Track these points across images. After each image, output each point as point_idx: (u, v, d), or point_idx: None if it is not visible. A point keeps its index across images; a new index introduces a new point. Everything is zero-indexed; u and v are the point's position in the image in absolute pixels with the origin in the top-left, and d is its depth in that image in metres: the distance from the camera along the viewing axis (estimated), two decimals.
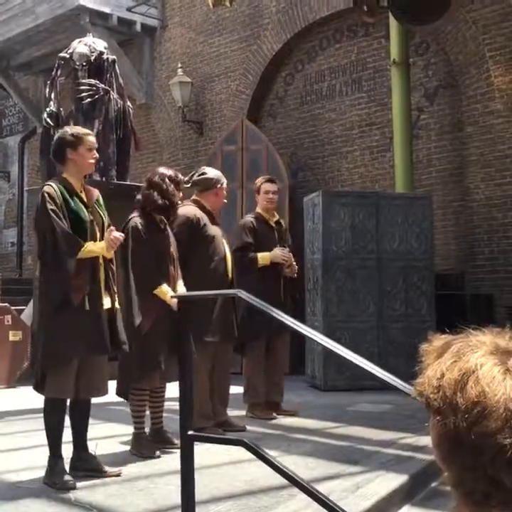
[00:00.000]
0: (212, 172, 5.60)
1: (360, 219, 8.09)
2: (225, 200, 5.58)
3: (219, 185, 5.47)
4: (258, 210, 6.30)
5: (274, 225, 6.31)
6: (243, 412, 6.00)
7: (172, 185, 4.73)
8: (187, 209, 5.30)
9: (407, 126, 9.13)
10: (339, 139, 10.65)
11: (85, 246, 3.97)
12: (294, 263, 6.22)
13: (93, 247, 4.00)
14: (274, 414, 5.98)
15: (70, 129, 4.31)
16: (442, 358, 1.02)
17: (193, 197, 5.50)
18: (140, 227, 4.63)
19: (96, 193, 4.23)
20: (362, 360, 2.49)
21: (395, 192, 8.92)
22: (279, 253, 6.06)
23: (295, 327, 2.58)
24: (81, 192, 4.12)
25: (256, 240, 6.02)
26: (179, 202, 4.92)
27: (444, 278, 8.80)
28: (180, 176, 4.88)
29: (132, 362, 4.48)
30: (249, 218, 6.22)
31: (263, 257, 6.01)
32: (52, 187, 4.01)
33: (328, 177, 10.71)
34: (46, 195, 3.96)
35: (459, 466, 0.97)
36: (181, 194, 4.91)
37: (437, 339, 1.07)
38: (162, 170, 4.91)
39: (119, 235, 4.10)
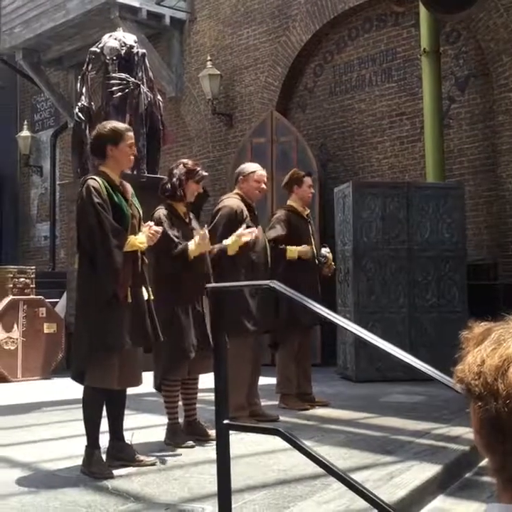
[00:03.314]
0: (246, 164, 5.73)
1: (390, 209, 8.07)
2: (264, 186, 5.57)
3: (253, 173, 5.51)
4: (292, 202, 6.30)
5: (306, 217, 6.34)
6: (275, 403, 6.04)
7: (183, 171, 4.74)
8: (230, 201, 5.38)
9: (438, 116, 9.06)
10: (369, 130, 10.61)
11: (129, 240, 4.02)
12: (332, 263, 6.33)
13: (135, 241, 4.05)
14: (306, 405, 6.01)
15: (110, 124, 4.31)
16: (482, 345, 1.04)
17: (235, 190, 5.57)
18: (163, 218, 4.66)
19: (130, 187, 4.28)
20: (404, 354, 2.49)
21: (426, 182, 8.87)
22: (304, 249, 6.06)
23: (332, 318, 2.59)
24: (119, 186, 4.18)
25: (290, 233, 6.04)
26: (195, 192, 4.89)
27: (476, 268, 8.74)
28: (198, 167, 4.83)
29: (162, 353, 4.53)
30: (284, 210, 6.24)
31: (291, 250, 6.02)
32: (96, 181, 4.05)
33: (358, 168, 10.68)
34: (92, 188, 4.00)
35: (501, 452, 0.99)
36: (201, 188, 4.87)
37: (477, 326, 1.09)
38: (182, 159, 4.95)
39: (158, 229, 4.16)
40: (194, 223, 4.88)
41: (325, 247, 6.33)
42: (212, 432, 4.61)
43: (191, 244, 4.60)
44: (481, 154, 9.39)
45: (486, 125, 9.35)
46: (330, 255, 6.32)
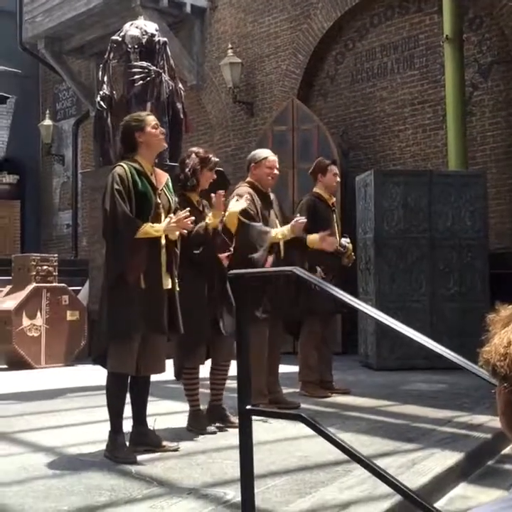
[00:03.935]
0: (256, 150, 5.68)
1: (412, 198, 8.04)
2: (276, 172, 5.53)
3: (265, 159, 5.44)
4: (318, 190, 6.30)
5: (332, 206, 6.34)
6: (296, 390, 6.06)
7: (196, 160, 4.75)
8: (241, 189, 5.34)
9: (461, 103, 8.99)
10: (391, 118, 10.55)
11: (143, 227, 4.05)
12: (352, 253, 6.29)
13: (150, 230, 4.07)
14: (327, 393, 6.02)
15: (131, 116, 4.41)
16: (509, 327, 1.05)
17: (247, 179, 5.54)
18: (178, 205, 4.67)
19: (166, 177, 4.31)
20: (428, 340, 2.49)
21: (448, 170, 8.82)
22: (341, 241, 6.07)
23: (355, 305, 2.60)
24: (151, 175, 4.21)
25: (315, 220, 5.99)
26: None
27: (499, 257, 8.68)
28: (210, 155, 4.83)
29: (179, 342, 4.56)
30: (311, 197, 6.24)
31: (310, 240, 6.02)
32: (123, 167, 4.12)
33: (380, 156, 10.63)
34: (116, 175, 4.07)
35: None
36: (214, 176, 4.88)
37: (504, 309, 1.10)
38: (193, 148, 4.94)
39: (182, 220, 4.16)
40: (207, 211, 4.89)
41: (345, 237, 6.31)
42: (235, 419, 4.66)
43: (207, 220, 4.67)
44: (504, 142, 9.31)
45: (509, 112, 9.26)
46: (350, 245, 6.29)
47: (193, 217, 4.21)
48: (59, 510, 3.16)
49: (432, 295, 7.94)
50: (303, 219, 5.42)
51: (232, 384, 5.58)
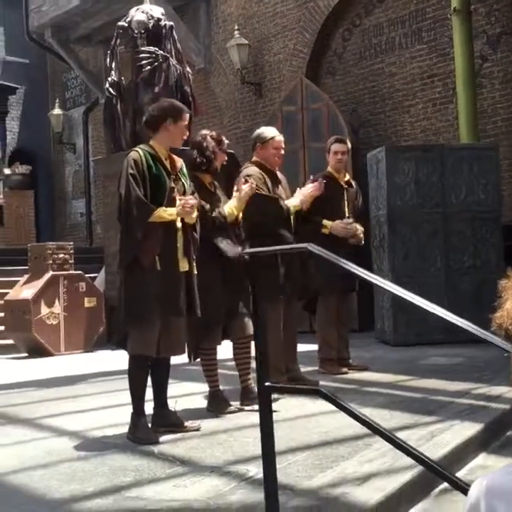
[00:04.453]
0: (261, 128, 5.65)
1: (424, 173, 8.01)
2: (282, 152, 5.52)
3: (271, 139, 5.40)
4: (329, 169, 6.32)
5: (344, 184, 6.32)
6: (315, 368, 6.09)
7: (213, 143, 4.77)
8: (249, 170, 5.33)
9: (471, 76, 8.92)
10: (400, 93, 10.50)
11: (157, 211, 4.09)
12: (360, 232, 6.21)
13: (163, 214, 4.12)
14: (345, 370, 6.06)
15: (172, 101, 4.53)
16: None
17: (253, 158, 5.52)
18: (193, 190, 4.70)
19: (181, 162, 4.35)
20: (445, 312, 2.51)
21: (460, 143, 8.77)
22: (339, 227, 6.06)
23: (372, 280, 2.62)
24: (166, 160, 4.25)
25: (325, 200, 5.99)
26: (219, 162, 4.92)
27: None
28: (222, 136, 4.87)
29: (195, 322, 4.60)
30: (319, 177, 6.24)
31: (325, 225, 6.05)
32: (138, 153, 4.18)
33: (390, 132, 10.59)
34: (131, 160, 4.13)
35: None
36: (225, 157, 4.90)
37: None
38: (203, 131, 4.96)
39: (192, 201, 4.20)
40: (219, 191, 4.91)
41: (348, 218, 6.22)
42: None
43: (227, 208, 4.73)
44: None
45: None
46: (353, 226, 6.19)
47: (194, 201, 4.23)
48: (84, 491, 3.22)
49: (447, 269, 7.93)
50: (310, 186, 5.46)
51: (252, 363, 5.65)
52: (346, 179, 6.37)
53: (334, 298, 6.13)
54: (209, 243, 4.61)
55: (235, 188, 4.87)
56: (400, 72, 10.50)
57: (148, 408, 4.26)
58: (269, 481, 2.85)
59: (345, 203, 6.26)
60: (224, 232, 4.72)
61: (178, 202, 4.20)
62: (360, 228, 6.22)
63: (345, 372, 6.00)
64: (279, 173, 5.60)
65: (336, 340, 6.16)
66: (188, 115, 4.37)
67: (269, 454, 2.91)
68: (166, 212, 4.14)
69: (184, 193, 4.29)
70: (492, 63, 9.49)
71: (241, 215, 4.90)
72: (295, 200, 5.47)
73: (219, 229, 4.69)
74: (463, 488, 2.41)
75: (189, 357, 4.77)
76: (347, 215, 6.20)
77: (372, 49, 10.86)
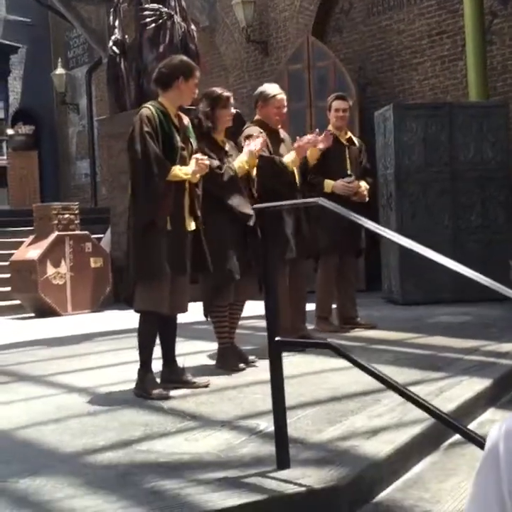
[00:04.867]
0: (264, 86, 5.51)
1: (432, 131, 7.93)
2: (284, 111, 5.40)
3: (273, 98, 5.29)
4: (329, 127, 6.23)
5: (345, 142, 6.25)
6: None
7: (206, 103, 4.68)
8: (249, 130, 5.23)
9: (480, 32, 8.76)
10: (408, 51, 10.34)
11: (172, 170, 4.05)
12: (363, 189, 6.14)
13: (178, 172, 4.10)
14: (338, 328, 6.05)
15: (183, 58, 4.40)
16: None
17: (256, 117, 5.43)
18: (204, 146, 4.65)
19: (187, 119, 4.30)
20: (456, 264, 2.48)
21: (469, 101, 8.66)
22: (340, 185, 6.01)
23: (383, 233, 2.59)
24: (175, 117, 4.20)
25: (326, 158, 5.95)
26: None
27: None
28: (221, 92, 4.73)
29: (207, 280, 4.59)
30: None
31: (327, 185, 5.99)
32: (150, 109, 4.11)
33: (398, 90, 10.46)
34: (145, 117, 4.06)
35: None
36: (231, 112, 4.77)
37: None
38: (205, 91, 4.85)
39: (206, 160, 4.17)
40: (231, 149, 4.85)
41: (350, 176, 6.14)
42: (252, 357, 4.78)
43: (237, 163, 4.69)
44: None
45: None
46: (354, 184, 6.11)
47: (207, 162, 4.21)
48: (95, 445, 3.24)
49: (455, 228, 7.89)
50: (308, 137, 5.37)
51: (258, 322, 5.66)
52: (347, 137, 6.29)
53: (335, 258, 6.12)
54: (220, 200, 4.58)
55: (247, 142, 4.81)
56: (408, 29, 10.34)
57: (157, 365, 4.27)
58: (280, 434, 2.86)
59: (348, 161, 6.19)
60: (235, 187, 4.67)
61: (191, 161, 4.16)
62: (363, 185, 6.17)
63: (337, 331, 5.95)
64: (282, 132, 5.53)
65: (332, 298, 6.15)
66: (198, 73, 4.30)
67: (279, 406, 2.92)
68: (181, 171, 4.11)
69: (192, 152, 4.25)
70: (502, 19, 9.32)
71: (255, 173, 4.86)
72: (290, 156, 5.30)
73: (230, 184, 4.64)
74: (474, 439, 2.41)
75: (205, 315, 4.78)
76: (348, 173, 6.14)
77: (380, 5, 10.68)
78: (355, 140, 6.44)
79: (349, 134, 6.37)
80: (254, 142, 4.77)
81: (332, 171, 6.01)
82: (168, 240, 4.09)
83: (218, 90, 4.79)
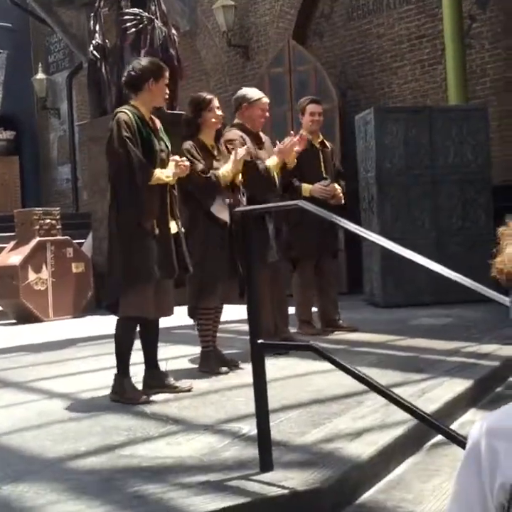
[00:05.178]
0: (245, 89, 5.53)
1: (413, 134, 7.97)
2: (267, 114, 5.43)
3: (258, 100, 5.30)
4: (302, 131, 6.22)
5: (318, 146, 6.27)
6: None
7: (190, 109, 4.73)
8: (230, 134, 5.22)
9: (459, 36, 8.82)
10: (388, 55, 10.40)
11: (154, 173, 4.05)
12: (339, 192, 6.16)
13: (160, 175, 4.10)
14: (320, 331, 6.06)
15: (151, 59, 4.43)
16: None
17: (235, 121, 5.40)
18: (192, 149, 4.67)
19: (159, 122, 4.30)
20: (439, 266, 2.50)
21: (449, 105, 8.72)
22: (318, 189, 6.03)
23: (363, 234, 2.60)
24: (149, 120, 4.20)
25: (301, 161, 5.90)
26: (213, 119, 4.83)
27: (504, 190, 8.63)
28: (204, 95, 4.78)
29: (194, 283, 4.60)
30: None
31: (304, 189, 6.01)
32: (127, 114, 4.09)
33: (379, 94, 10.51)
34: (123, 122, 4.04)
35: None
36: (218, 113, 4.77)
37: None
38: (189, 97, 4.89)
39: (185, 162, 4.19)
40: (219, 155, 4.86)
41: (325, 179, 6.15)
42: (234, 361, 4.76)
43: (223, 170, 4.69)
44: (504, 73, 9.19)
45: (509, 43, 9.12)
46: (331, 186, 6.12)
47: (187, 163, 4.25)
48: (78, 450, 3.23)
49: (436, 231, 7.93)
50: (289, 139, 5.36)
51: (242, 326, 5.66)
52: (320, 140, 6.31)
53: (311, 261, 6.14)
54: (202, 205, 4.61)
55: (233, 152, 4.81)
56: (388, 33, 10.40)
57: (138, 370, 4.26)
58: (263, 435, 2.86)
59: (322, 164, 6.21)
60: (216, 192, 4.68)
61: (170, 163, 4.17)
62: (338, 188, 6.19)
63: (319, 334, 5.96)
64: (262, 134, 5.53)
65: (310, 301, 6.19)
66: (168, 73, 4.29)
67: (262, 409, 2.92)
68: (163, 174, 4.12)
69: (168, 155, 4.26)
70: (481, 23, 9.40)
71: (241, 178, 4.86)
72: (272, 160, 5.31)
73: (211, 189, 4.64)
74: (456, 439, 2.43)
75: (190, 316, 4.78)
76: (324, 176, 6.16)
77: (360, 10, 10.74)
78: (327, 143, 6.46)
79: (321, 137, 6.38)
80: (239, 153, 4.75)
81: (307, 174, 6.02)
82: (156, 244, 4.09)
83: (203, 94, 4.83)
